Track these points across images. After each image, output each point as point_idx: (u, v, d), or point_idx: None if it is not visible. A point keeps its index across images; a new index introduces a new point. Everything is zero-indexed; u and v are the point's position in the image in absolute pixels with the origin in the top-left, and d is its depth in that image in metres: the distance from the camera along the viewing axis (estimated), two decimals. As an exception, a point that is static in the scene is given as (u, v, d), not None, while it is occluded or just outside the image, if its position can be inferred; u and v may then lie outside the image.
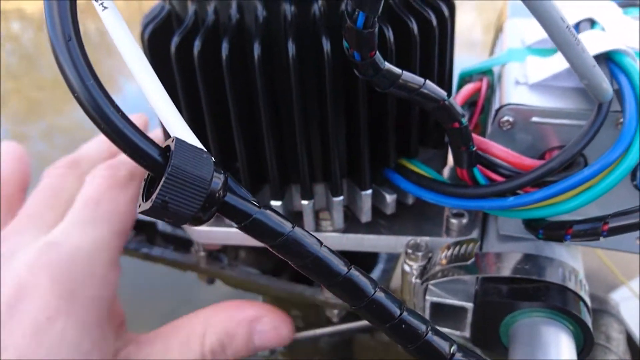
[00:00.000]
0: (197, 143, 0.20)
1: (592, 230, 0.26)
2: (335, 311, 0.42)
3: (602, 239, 0.26)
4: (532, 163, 0.29)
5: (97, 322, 0.32)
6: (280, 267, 0.48)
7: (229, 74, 0.29)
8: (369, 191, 0.33)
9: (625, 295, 0.68)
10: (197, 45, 0.29)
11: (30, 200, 0.36)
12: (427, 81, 0.26)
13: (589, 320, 0.29)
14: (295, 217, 0.36)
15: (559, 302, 0.29)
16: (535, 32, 0.41)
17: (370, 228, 0.36)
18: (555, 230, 0.28)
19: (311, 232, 0.20)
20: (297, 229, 0.20)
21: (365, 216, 0.34)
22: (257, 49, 0.28)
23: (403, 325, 0.21)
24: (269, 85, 0.29)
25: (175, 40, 0.30)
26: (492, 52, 0.49)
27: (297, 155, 0.31)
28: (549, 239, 0.29)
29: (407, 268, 0.33)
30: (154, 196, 0.17)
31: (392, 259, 0.44)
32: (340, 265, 0.20)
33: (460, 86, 0.42)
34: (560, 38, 0.21)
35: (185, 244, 0.46)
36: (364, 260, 0.48)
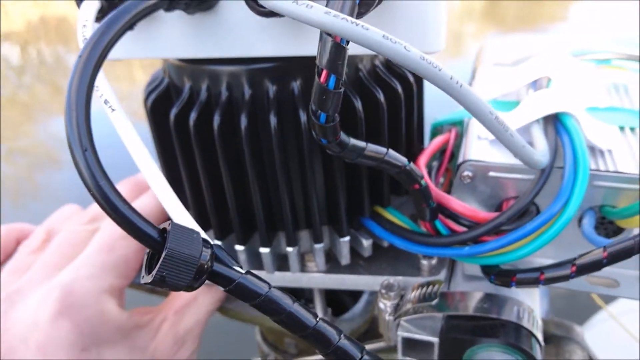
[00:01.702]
0: (191, 221, 0.24)
1: (532, 279, 0.30)
2: (323, 341, 0.46)
3: (540, 286, 0.30)
4: (486, 216, 0.33)
5: None
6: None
7: (220, 141, 0.33)
8: (347, 238, 0.37)
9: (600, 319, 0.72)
10: (192, 116, 0.34)
11: (47, 250, 0.40)
12: (390, 150, 0.30)
13: (539, 355, 0.33)
14: (284, 260, 0.40)
15: (513, 339, 0.33)
16: (502, 84, 0.45)
17: (350, 269, 0.40)
18: (503, 277, 0.32)
19: (283, 292, 0.25)
20: (273, 290, 0.24)
21: (345, 259, 0.39)
22: (243, 121, 0.33)
23: (363, 368, 0.25)
24: (255, 150, 0.34)
25: (173, 112, 0.34)
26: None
27: (281, 207, 0.36)
28: (499, 284, 0.33)
29: (382, 306, 0.37)
30: (154, 272, 0.21)
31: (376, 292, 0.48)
32: (309, 319, 0.25)
33: (432, 134, 0.46)
34: (491, 128, 0.25)
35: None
36: (352, 292, 0.52)
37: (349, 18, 0.21)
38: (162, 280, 0.22)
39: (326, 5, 0.22)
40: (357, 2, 0.23)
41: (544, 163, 0.31)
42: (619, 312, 0.86)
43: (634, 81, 0.45)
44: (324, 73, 0.23)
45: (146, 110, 0.37)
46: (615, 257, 0.27)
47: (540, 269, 0.30)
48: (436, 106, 0.48)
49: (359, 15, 0.25)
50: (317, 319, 0.25)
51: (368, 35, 0.21)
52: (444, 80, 0.23)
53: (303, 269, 0.40)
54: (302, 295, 0.54)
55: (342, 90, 0.23)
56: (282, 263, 0.40)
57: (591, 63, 0.47)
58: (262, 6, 0.25)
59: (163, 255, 0.21)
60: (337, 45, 0.22)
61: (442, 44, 0.29)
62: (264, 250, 0.37)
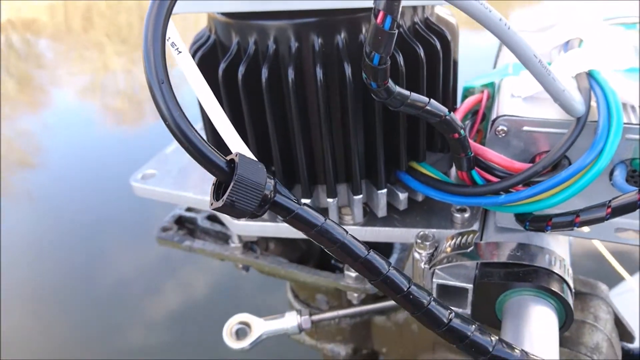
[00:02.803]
0: (252, 156, 0.26)
1: (567, 222, 0.32)
2: (355, 295, 0.48)
3: (575, 229, 0.31)
4: (521, 166, 0.35)
5: None
6: (306, 256, 0.54)
7: (268, 95, 0.35)
8: (384, 190, 0.39)
9: (625, 289, 0.73)
10: (241, 70, 0.35)
11: None
12: (431, 100, 0.32)
13: (570, 299, 0.35)
14: (322, 213, 0.42)
15: (545, 283, 0.34)
16: (533, 47, 0.46)
17: (385, 222, 0.42)
18: (538, 223, 0.34)
19: (338, 224, 0.26)
20: (329, 221, 0.26)
21: (381, 212, 0.40)
22: (290, 74, 0.34)
23: (411, 296, 0.27)
24: (300, 103, 0.35)
25: (222, 66, 0.36)
26: (495, 65, 0.54)
27: (323, 160, 0.37)
28: (534, 230, 0.35)
29: (417, 255, 0.39)
30: (225, 197, 0.23)
31: (406, 249, 0.49)
32: (362, 249, 0.26)
33: (464, 97, 0.48)
34: (534, 70, 0.27)
35: (222, 237, 0.52)
36: (381, 250, 0.54)
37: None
38: (231, 205, 0.23)
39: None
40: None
41: (581, 111, 0.32)
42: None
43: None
44: (381, 14, 0.24)
45: None
46: (652, 198, 0.28)
47: (576, 212, 0.31)
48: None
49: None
50: (369, 250, 0.27)
51: (426, -24, 0.22)
52: (494, 21, 0.24)
53: (340, 221, 0.42)
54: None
55: (397, 31, 0.25)
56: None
57: (619, 27, 0.48)
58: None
59: (234, 180, 0.23)
60: (395, -13, 0.23)
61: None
62: (305, 201, 0.39)
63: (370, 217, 0.42)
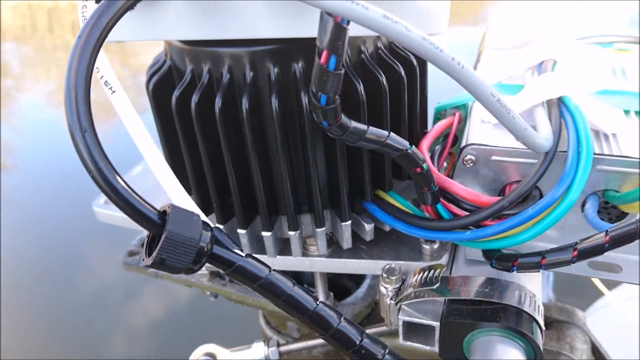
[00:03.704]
0: (191, 203, 0.24)
1: (533, 264, 0.30)
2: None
3: (541, 270, 0.30)
4: (488, 200, 0.33)
5: None
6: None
7: (222, 124, 0.33)
8: (349, 222, 0.37)
9: (603, 304, 0.72)
10: (194, 99, 0.33)
11: None
12: (391, 134, 0.30)
13: (539, 339, 0.33)
14: (286, 243, 0.40)
15: (513, 323, 0.33)
16: (506, 67, 0.45)
17: (352, 253, 0.40)
18: (505, 262, 0.32)
19: (284, 275, 0.25)
20: (273, 273, 0.24)
21: (346, 244, 0.39)
22: (245, 103, 0.32)
23: (363, 351, 0.25)
24: (256, 133, 0.34)
25: (175, 94, 0.34)
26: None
27: (283, 190, 0.36)
28: (500, 269, 0.33)
29: (383, 290, 0.37)
30: (154, 254, 0.21)
31: (377, 276, 0.48)
32: (310, 302, 0.25)
33: (436, 118, 0.46)
34: (493, 110, 0.25)
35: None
36: (354, 275, 0.52)
37: (350, -3, 0.21)
38: (161, 263, 0.22)
39: (327, -15, 0.22)
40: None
41: (546, 146, 0.30)
42: (622, 299, 0.86)
43: (638, 65, 0.44)
44: (324, 54, 0.22)
45: (148, 93, 0.37)
46: (618, 242, 0.27)
47: (542, 253, 0.30)
48: (439, 93, 0.47)
49: (360, -4, 0.24)
50: (317, 302, 0.25)
51: (368, 15, 0.21)
52: (446, 61, 0.22)
53: (305, 252, 0.40)
54: (303, 279, 0.54)
55: (343, 71, 0.23)
56: (284, 246, 0.40)
57: (595, 46, 0.47)
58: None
59: (163, 237, 0.21)
60: (338, 25, 0.22)
61: (445, 26, 0.28)
62: (265, 234, 0.37)
63: (336, 248, 0.41)
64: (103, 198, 0.50)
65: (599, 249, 0.27)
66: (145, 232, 0.53)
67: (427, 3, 0.27)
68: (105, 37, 0.23)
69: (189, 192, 0.41)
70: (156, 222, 0.22)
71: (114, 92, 0.25)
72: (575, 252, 0.28)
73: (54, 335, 1.56)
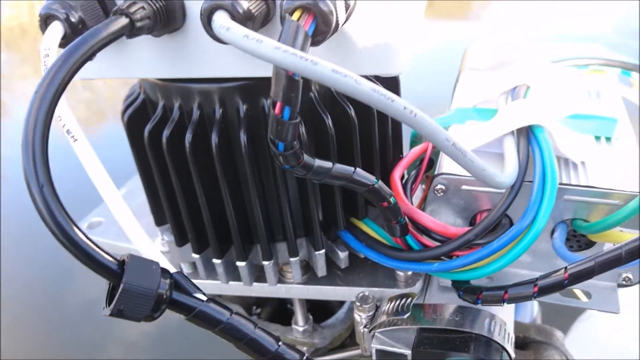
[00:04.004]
0: (153, 249, 0.25)
1: (497, 297, 0.30)
2: (305, 348, 0.47)
3: (504, 304, 0.30)
4: (456, 231, 0.33)
5: None
6: (259, 305, 0.53)
7: (193, 158, 0.34)
8: (322, 251, 0.38)
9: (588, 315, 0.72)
10: (165, 133, 0.34)
11: None
12: (357, 169, 0.30)
13: (508, 368, 0.33)
14: (262, 270, 0.40)
15: (482, 354, 0.33)
16: (482, 90, 0.45)
17: (328, 279, 0.40)
18: (470, 294, 0.33)
19: (246, 317, 0.25)
20: (234, 317, 0.25)
21: (321, 271, 0.39)
22: (214, 138, 0.33)
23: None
24: (227, 167, 0.34)
25: (147, 128, 0.35)
26: (452, 98, 0.53)
27: (255, 221, 0.36)
28: (466, 301, 0.34)
29: (357, 317, 0.38)
30: (112, 305, 0.22)
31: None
32: (271, 344, 0.25)
33: (412, 142, 0.47)
34: (451, 154, 0.26)
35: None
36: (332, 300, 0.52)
37: (299, 53, 0.21)
38: (119, 313, 0.22)
39: (278, 39, 0.22)
40: (310, 33, 0.23)
41: (508, 183, 0.31)
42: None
43: (613, 87, 0.45)
44: (278, 105, 0.23)
45: (123, 124, 0.37)
46: (576, 278, 0.27)
47: (505, 288, 0.30)
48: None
49: (316, 44, 0.25)
50: (279, 344, 0.25)
51: (317, 70, 0.21)
52: (398, 110, 0.23)
53: (282, 280, 0.41)
54: (288, 300, 0.55)
55: (298, 120, 0.24)
56: (261, 273, 0.41)
57: (571, 68, 0.47)
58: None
59: (119, 289, 0.22)
60: (290, 79, 0.22)
61: (405, 65, 0.29)
62: (240, 264, 0.38)
63: (312, 274, 0.41)
64: (86, 223, 0.51)
65: (558, 286, 0.28)
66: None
67: (385, 45, 0.27)
68: (63, 90, 0.23)
69: (165, 222, 0.42)
70: (115, 272, 0.23)
71: (75, 140, 0.25)
72: (536, 288, 0.28)
73: (48, 342, 1.57)
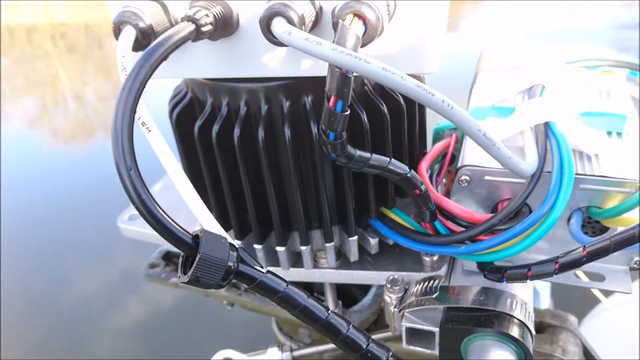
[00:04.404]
0: (218, 228, 0.28)
1: (521, 275, 0.34)
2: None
3: (528, 281, 0.33)
4: (481, 217, 0.37)
5: None
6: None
7: (240, 151, 0.37)
8: (355, 237, 0.41)
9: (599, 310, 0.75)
10: (214, 129, 0.37)
11: None
12: (392, 160, 0.34)
13: (530, 343, 0.36)
14: (298, 256, 0.44)
15: (505, 329, 0.36)
16: (500, 90, 0.48)
17: (359, 265, 0.44)
18: (495, 273, 0.36)
19: (299, 288, 0.28)
20: (290, 287, 0.28)
21: (353, 257, 0.42)
22: (261, 133, 0.36)
23: (369, 354, 0.28)
24: (271, 160, 0.37)
25: (197, 125, 0.38)
26: (468, 104, 0.57)
27: (295, 209, 0.39)
28: (492, 280, 0.37)
29: (387, 299, 0.41)
30: (189, 273, 0.25)
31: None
32: (322, 311, 0.28)
33: (435, 138, 0.50)
34: (480, 143, 0.29)
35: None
36: (362, 285, 0.56)
37: (353, 53, 0.25)
38: (196, 280, 0.25)
39: (333, 41, 0.26)
40: (361, 36, 0.26)
41: (530, 171, 0.34)
42: (620, 303, 0.89)
43: (622, 87, 0.48)
44: (332, 99, 0.26)
45: (171, 122, 0.41)
46: (594, 256, 0.30)
47: (528, 266, 0.33)
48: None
49: (364, 45, 0.28)
50: (329, 312, 0.29)
51: (370, 68, 0.25)
52: (437, 103, 0.26)
53: (316, 265, 0.44)
54: (314, 287, 0.58)
55: (348, 112, 0.27)
56: (296, 259, 0.44)
57: (582, 69, 0.50)
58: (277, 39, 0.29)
59: (197, 258, 0.25)
60: (343, 76, 0.25)
61: (436, 66, 0.32)
62: (279, 248, 0.41)
63: (344, 260, 0.44)
64: (127, 214, 0.54)
65: (577, 263, 0.31)
66: (164, 247, 0.57)
67: (421, 48, 0.31)
68: (144, 87, 0.27)
69: (210, 211, 0.45)
70: (191, 245, 0.26)
71: (150, 131, 0.28)
72: (557, 265, 0.31)
73: (40, 345, 1.61)
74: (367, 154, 0.32)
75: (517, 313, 0.37)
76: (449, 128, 0.48)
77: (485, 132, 0.28)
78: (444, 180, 0.48)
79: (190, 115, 0.40)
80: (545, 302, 0.75)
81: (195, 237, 0.26)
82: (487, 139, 0.28)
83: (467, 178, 0.39)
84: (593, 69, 0.50)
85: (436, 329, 0.38)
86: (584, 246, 0.31)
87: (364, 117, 0.37)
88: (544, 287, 0.82)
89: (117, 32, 0.31)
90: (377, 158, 0.33)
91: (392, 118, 0.38)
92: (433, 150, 0.44)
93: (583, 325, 0.95)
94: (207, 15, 0.30)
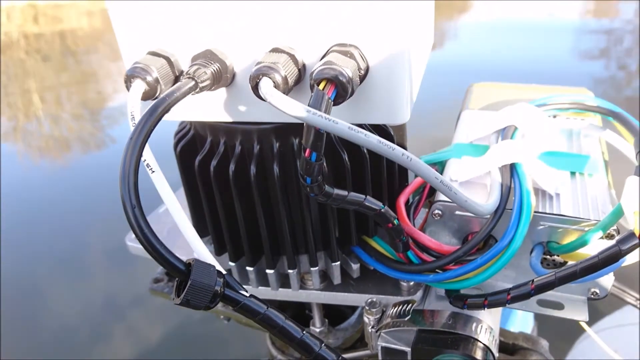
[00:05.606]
0: (210, 258, 0.32)
1: (479, 304, 0.38)
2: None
3: (485, 309, 0.37)
4: (449, 249, 0.41)
5: None
6: (282, 309, 0.60)
7: (234, 184, 0.42)
8: (338, 263, 0.45)
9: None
10: (213, 164, 0.42)
11: None
12: (367, 197, 0.38)
13: (491, 365, 0.40)
14: (287, 277, 0.48)
15: (469, 351, 0.40)
16: (477, 129, 0.53)
17: (342, 287, 0.48)
18: (458, 301, 0.40)
19: (278, 310, 0.32)
20: (270, 310, 0.32)
21: (336, 280, 0.46)
22: (252, 169, 0.41)
23: (338, 371, 0.33)
24: (262, 191, 0.42)
25: (198, 159, 0.43)
26: (454, 134, 0.61)
27: (284, 236, 0.44)
28: (456, 307, 0.41)
29: (366, 319, 0.45)
30: (182, 296, 0.30)
31: (368, 305, 0.55)
32: (297, 332, 0.33)
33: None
34: (439, 189, 0.33)
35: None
36: (347, 305, 0.60)
37: (324, 115, 0.29)
38: (187, 303, 0.30)
39: (308, 103, 0.30)
40: (332, 98, 0.31)
41: (487, 212, 0.38)
42: (610, 327, 0.92)
43: (592, 129, 0.52)
44: (307, 151, 0.31)
45: (175, 154, 0.46)
46: (540, 289, 0.34)
47: (485, 296, 0.37)
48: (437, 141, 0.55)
49: (337, 104, 0.32)
50: (303, 332, 0.33)
51: (338, 127, 0.29)
52: (397, 156, 0.30)
53: (302, 286, 0.48)
54: (306, 305, 0.62)
55: (323, 161, 0.31)
56: (285, 280, 0.48)
57: (554, 112, 0.54)
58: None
59: (188, 284, 0.30)
60: (317, 132, 0.30)
61: (406, 117, 0.36)
62: (269, 271, 0.46)
63: (329, 282, 0.48)
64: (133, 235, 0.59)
65: (526, 295, 0.35)
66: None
67: (390, 102, 0.35)
68: (149, 136, 0.31)
69: (207, 234, 0.50)
70: (184, 272, 0.30)
71: (153, 172, 0.33)
72: (509, 296, 0.35)
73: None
74: (344, 192, 0.37)
75: (482, 337, 0.41)
76: (429, 163, 0.52)
77: (442, 179, 0.32)
78: (426, 210, 0.52)
79: (192, 149, 0.45)
80: (529, 326, 0.78)
81: (188, 265, 0.31)
82: (445, 185, 0.33)
83: (440, 212, 0.43)
84: (564, 111, 0.54)
85: (408, 349, 0.42)
86: (532, 280, 0.34)
87: (345, 156, 0.41)
88: (526, 315, 0.85)
89: (128, 83, 0.36)
90: (353, 195, 0.37)
91: (371, 157, 0.42)
92: (412, 183, 0.48)
93: (575, 348, 0.98)
94: (205, 73, 0.35)
